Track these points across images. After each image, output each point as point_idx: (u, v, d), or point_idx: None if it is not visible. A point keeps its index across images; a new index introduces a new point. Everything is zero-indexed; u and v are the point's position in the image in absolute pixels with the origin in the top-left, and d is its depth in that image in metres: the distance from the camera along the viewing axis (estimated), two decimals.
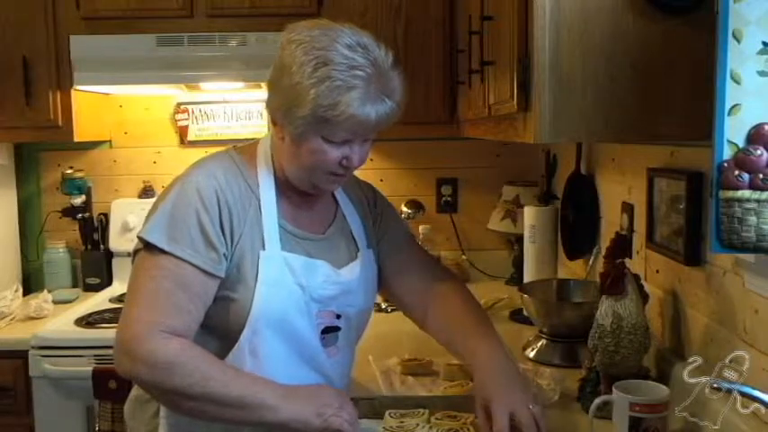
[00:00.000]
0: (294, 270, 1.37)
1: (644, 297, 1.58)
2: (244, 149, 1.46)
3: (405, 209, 2.86)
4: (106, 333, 2.34)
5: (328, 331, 1.44)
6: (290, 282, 1.37)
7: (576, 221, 2.34)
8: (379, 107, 1.29)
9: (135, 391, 1.52)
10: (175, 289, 1.29)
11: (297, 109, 1.28)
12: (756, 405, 1.06)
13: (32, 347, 2.30)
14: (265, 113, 2.92)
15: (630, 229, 1.89)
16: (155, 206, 1.35)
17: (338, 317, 1.44)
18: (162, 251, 1.29)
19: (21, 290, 2.64)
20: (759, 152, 0.95)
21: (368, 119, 1.28)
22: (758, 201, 0.96)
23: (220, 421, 1.30)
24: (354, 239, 1.51)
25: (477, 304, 1.55)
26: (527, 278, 2.52)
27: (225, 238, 1.33)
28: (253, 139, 1.52)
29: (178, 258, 1.29)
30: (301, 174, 1.38)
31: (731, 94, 0.96)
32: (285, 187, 1.42)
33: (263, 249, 1.36)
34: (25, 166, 2.94)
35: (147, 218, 1.35)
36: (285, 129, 1.34)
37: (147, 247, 1.31)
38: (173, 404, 1.31)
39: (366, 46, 1.29)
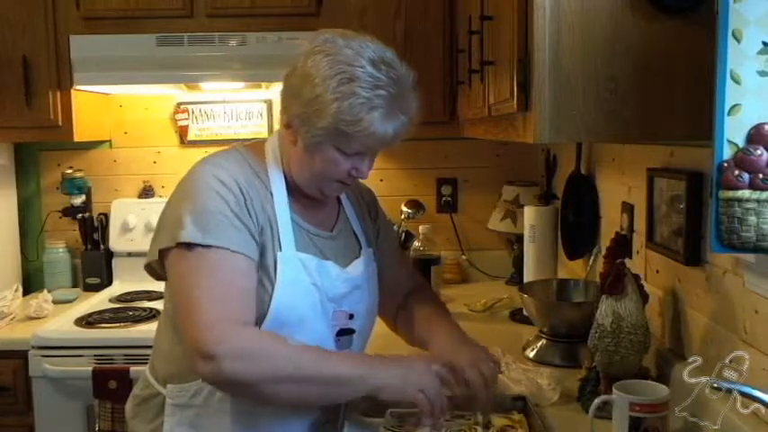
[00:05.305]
0: (309, 270, 1.38)
1: (644, 297, 1.58)
2: (251, 147, 1.47)
3: (405, 209, 2.85)
4: (106, 333, 2.35)
5: (342, 333, 1.45)
6: (307, 282, 1.38)
7: (575, 221, 2.34)
8: (396, 123, 1.32)
9: (136, 390, 1.52)
10: (230, 280, 1.28)
11: (317, 119, 1.29)
12: (756, 405, 1.06)
13: (32, 347, 2.29)
14: (265, 113, 2.93)
15: (630, 229, 1.89)
16: (176, 206, 1.33)
17: (351, 317, 1.45)
18: (204, 246, 1.27)
19: (21, 290, 2.63)
20: (759, 152, 0.95)
21: (385, 136, 1.32)
22: (758, 201, 0.96)
23: (311, 402, 1.32)
24: (357, 237, 1.54)
25: (445, 309, 1.64)
26: (527, 278, 2.52)
27: (254, 222, 1.33)
28: (253, 138, 1.53)
29: (222, 249, 1.28)
30: (310, 180, 1.39)
31: (731, 93, 0.96)
32: (293, 186, 1.43)
33: (280, 250, 1.36)
34: (25, 166, 2.94)
35: (171, 221, 1.31)
36: (300, 135, 1.35)
37: (185, 248, 1.28)
38: (263, 394, 1.27)
39: (390, 63, 1.31)
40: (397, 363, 1.33)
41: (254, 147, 1.47)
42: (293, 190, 1.43)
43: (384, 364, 1.31)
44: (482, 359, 1.40)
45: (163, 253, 1.33)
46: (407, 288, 1.66)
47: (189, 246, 1.28)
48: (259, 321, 1.33)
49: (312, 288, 1.38)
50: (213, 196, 1.30)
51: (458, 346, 1.45)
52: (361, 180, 1.49)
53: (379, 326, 1.63)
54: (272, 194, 1.39)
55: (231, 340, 1.23)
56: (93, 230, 2.89)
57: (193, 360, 1.25)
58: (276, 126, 2.62)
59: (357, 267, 1.48)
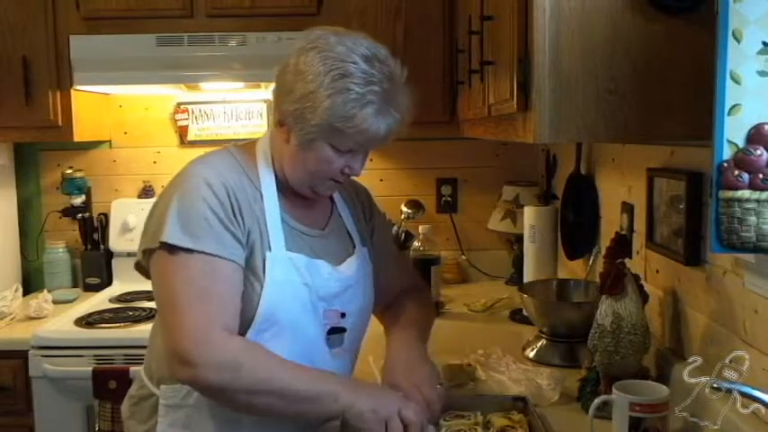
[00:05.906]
0: (300, 270, 1.38)
1: (644, 297, 1.58)
2: (242, 147, 1.47)
3: (405, 209, 2.86)
4: (106, 333, 2.35)
5: (334, 332, 1.44)
6: (297, 281, 1.37)
7: (575, 221, 2.34)
8: (389, 120, 1.32)
9: (132, 390, 1.52)
10: (214, 285, 1.27)
11: (310, 116, 1.29)
12: (756, 405, 1.06)
13: (32, 347, 2.29)
14: (265, 113, 2.93)
15: (630, 229, 1.89)
16: (163, 206, 1.32)
17: (343, 316, 1.45)
18: (187, 250, 1.27)
19: (21, 290, 2.64)
20: (759, 152, 0.95)
21: (378, 133, 1.32)
22: (758, 201, 0.96)
23: (283, 416, 1.30)
24: (350, 236, 1.53)
25: (420, 316, 1.60)
26: (527, 278, 2.52)
27: (240, 228, 1.32)
28: (251, 139, 1.53)
29: (207, 254, 1.27)
30: (303, 177, 1.39)
31: (731, 94, 0.96)
32: (284, 186, 1.42)
33: (269, 250, 1.35)
34: (25, 166, 2.94)
35: (157, 221, 1.31)
36: (293, 132, 1.34)
37: (167, 250, 1.28)
38: (237, 403, 1.29)
39: (383, 60, 1.32)
40: (372, 390, 1.33)
41: (246, 147, 1.47)
42: (284, 189, 1.42)
43: (358, 388, 1.31)
44: (426, 382, 1.39)
45: (147, 252, 1.33)
46: (400, 288, 1.64)
47: (172, 248, 1.27)
48: (248, 321, 1.33)
49: (302, 287, 1.38)
50: (199, 199, 1.29)
51: (405, 367, 1.43)
52: (357, 179, 1.49)
53: (379, 326, 1.63)
54: (261, 194, 1.38)
55: (212, 348, 1.23)
56: (93, 230, 2.89)
57: (172, 363, 1.26)
58: None
59: (350, 266, 1.48)
